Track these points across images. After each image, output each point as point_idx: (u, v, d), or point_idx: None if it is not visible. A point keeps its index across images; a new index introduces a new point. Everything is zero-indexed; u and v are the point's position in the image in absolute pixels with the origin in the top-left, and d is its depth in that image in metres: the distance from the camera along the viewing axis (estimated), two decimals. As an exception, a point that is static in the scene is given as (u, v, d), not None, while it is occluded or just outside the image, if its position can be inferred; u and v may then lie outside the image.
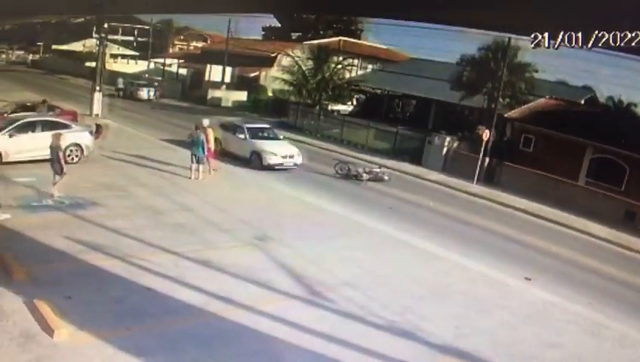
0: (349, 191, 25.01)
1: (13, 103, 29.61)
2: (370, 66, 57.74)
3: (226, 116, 44.68)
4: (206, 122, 24.15)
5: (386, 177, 27.48)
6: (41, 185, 18.03)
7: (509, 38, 32.37)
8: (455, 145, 33.97)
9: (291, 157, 26.82)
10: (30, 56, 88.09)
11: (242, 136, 27.10)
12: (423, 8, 15.33)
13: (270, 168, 25.88)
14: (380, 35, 69.17)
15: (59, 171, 17.83)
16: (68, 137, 22.33)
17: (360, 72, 55.32)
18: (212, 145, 23.50)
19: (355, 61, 54.08)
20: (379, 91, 50.30)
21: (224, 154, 26.42)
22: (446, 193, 28.24)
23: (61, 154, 18.11)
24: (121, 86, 55.31)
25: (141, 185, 20.08)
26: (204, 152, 22.21)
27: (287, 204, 20.46)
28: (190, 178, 21.98)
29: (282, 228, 17.20)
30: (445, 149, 33.72)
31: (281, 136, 28.99)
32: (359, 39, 67.96)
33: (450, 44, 69.06)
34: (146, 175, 21.77)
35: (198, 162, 22.13)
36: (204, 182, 21.88)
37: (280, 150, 26.75)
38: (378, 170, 27.93)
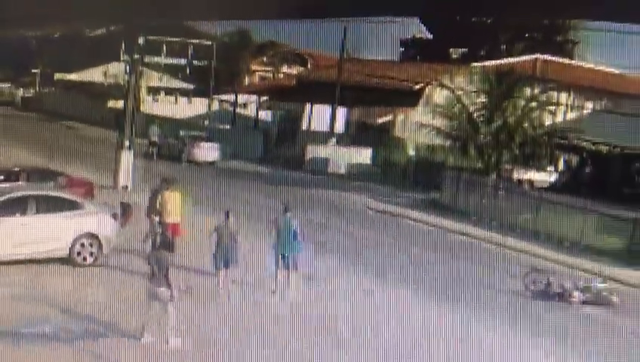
0: (550, 320, 24.65)
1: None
2: (589, 105, 57.43)
3: (339, 191, 45.58)
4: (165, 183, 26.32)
5: (614, 298, 26.95)
6: (35, 302, 18.94)
7: None
8: None
9: None
10: (20, 92, 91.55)
11: None
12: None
13: None
14: (608, 51, 68.75)
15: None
16: (77, 223, 23.72)
17: (571, 115, 55.11)
18: (175, 217, 25.05)
19: (563, 95, 54.05)
20: (605, 148, 49.75)
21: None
22: None
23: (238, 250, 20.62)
24: (155, 139, 57.18)
25: (195, 301, 20.69)
26: (298, 249, 22.93)
27: (444, 337, 20.56)
28: (274, 291, 22.67)
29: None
30: None
31: None
32: (570, 58, 68.09)
33: None
34: (202, 284, 22.34)
35: (287, 266, 22.77)
36: (295, 297, 22.51)
37: None
38: (601, 285, 27.49)
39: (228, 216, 23.25)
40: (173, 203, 25.34)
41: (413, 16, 56.76)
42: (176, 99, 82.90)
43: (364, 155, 55.93)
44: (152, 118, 62.00)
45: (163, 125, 60.08)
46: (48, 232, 22.72)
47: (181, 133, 57.43)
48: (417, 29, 79.46)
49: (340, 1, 28.69)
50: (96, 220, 24.08)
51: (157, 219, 25.12)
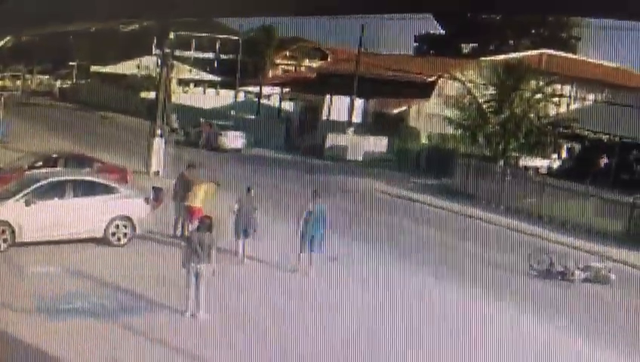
0: (552, 297, 24.75)
1: (30, 155, 31.60)
2: (590, 97, 57.22)
3: (356, 177, 45.60)
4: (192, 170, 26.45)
5: (612, 276, 26.95)
6: (72, 279, 19.08)
7: None
8: None
9: None
10: (58, 83, 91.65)
11: None
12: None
13: None
14: (608, 46, 68.45)
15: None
16: (112, 206, 23.90)
17: (574, 106, 54.92)
18: (199, 204, 24.63)
19: (566, 88, 53.84)
20: (604, 137, 49.58)
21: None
22: None
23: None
24: (176, 126, 57.46)
25: (220, 281, 20.80)
26: (323, 233, 23.04)
27: (453, 314, 20.63)
28: (295, 271, 22.77)
29: None
30: None
31: None
32: (574, 53, 67.76)
33: None
34: (227, 265, 22.39)
35: (310, 247, 22.78)
36: (315, 278, 22.56)
37: None
38: (600, 265, 27.46)
39: (249, 191, 23.85)
40: (197, 189, 25.15)
41: (427, 12, 56.51)
42: (204, 90, 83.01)
43: (380, 144, 55.93)
44: (173, 107, 62.10)
45: (182, 114, 60.34)
46: (85, 215, 22.91)
47: (201, 120, 57.92)
48: (430, 25, 79.28)
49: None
50: (129, 203, 24.28)
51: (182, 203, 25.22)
